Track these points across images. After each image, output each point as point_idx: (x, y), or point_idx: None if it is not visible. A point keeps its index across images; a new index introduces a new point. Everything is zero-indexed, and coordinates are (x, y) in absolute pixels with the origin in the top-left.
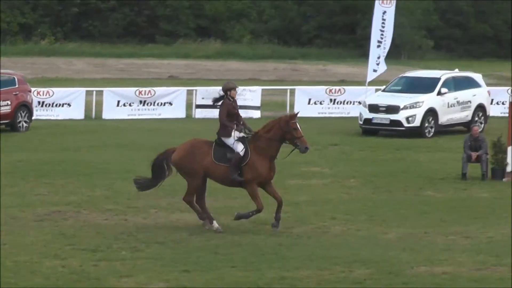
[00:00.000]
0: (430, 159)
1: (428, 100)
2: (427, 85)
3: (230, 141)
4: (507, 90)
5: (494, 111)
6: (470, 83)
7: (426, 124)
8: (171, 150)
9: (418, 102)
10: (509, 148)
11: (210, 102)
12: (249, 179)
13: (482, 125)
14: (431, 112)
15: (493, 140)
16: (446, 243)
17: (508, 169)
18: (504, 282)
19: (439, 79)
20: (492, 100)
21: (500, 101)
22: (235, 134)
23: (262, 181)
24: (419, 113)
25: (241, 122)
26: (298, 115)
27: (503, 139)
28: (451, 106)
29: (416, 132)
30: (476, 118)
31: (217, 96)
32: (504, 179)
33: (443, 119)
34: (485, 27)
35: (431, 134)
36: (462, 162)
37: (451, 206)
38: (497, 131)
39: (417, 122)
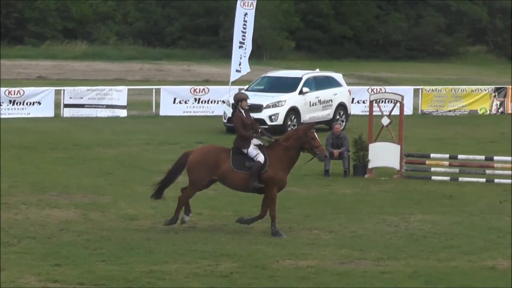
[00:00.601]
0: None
1: (290, 99)
2: (289, 85)
3: (250, 151)
4: (367, 89)
5: (355, 109)
6: (331, 83)
7: (289, 122)
8: (189, 152)
9: (280, 101)
10: (370, 145)
11: (77, 102)
12: (269, 185)
13: (344, 123)
14: (294, 111)
15: (355, 137)
16: (310, 237)
17: (370, 165)
18: (367, 274)
19: (300, 78)
20: (353, 99)
21: (361, 100)
22: (253, 142)
23: (280, 188)
24: (282, 111)
25: (259, 130)
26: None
27: (364, 137)
28: (313, 105)
29: (279, 130)
30: (338, 117)
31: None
32: (365, 176)
33: (305, 117)
34: (345, 28)
35: None
36: (325, 159)
37: (314, 201)
38: (358, 129)
39: (279, 121)
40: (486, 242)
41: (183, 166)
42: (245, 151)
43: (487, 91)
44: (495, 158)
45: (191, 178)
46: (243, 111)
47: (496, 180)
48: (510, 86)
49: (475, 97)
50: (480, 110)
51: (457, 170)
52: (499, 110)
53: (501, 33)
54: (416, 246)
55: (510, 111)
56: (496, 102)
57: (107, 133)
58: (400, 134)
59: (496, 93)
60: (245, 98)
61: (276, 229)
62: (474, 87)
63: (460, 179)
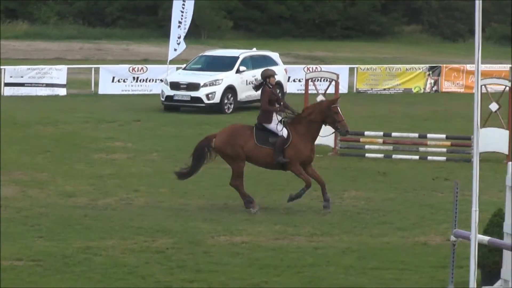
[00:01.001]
0: None
1: (227, 78)
2: (226, 64)
3: (271, 125)
4: (303, 68)
5: (291, 88)
6: (267, 62)
7: (226, 101)
8: (211, 136)
9: (217, 80)
10: None
11: (18, 81)
12: (293, 160)
13: None
14: (230, 89)
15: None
16: (245, 214)
17: None
18: (301, 250)
19: (237, 57)
20: (289, 77)
21: (297, 79)
22: (276, 117)
23: (304, 161)
24: (219, 90)
25: (283, 104)
26: (339, 100)
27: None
28: (249, 83)
29: (216, 108)
30: None
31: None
32: None
33: (241, 96)
34: (282, 8)
35: (231, 110)
36: None
37: (250, 179)
38: (294, 107)
39: (216, 99)
40: (418, 218)
41: (207, 150)
42: (268, 126)
43: (421, 69)
44: (429, 135)
45: (229, 156)
46: (271, 87)
47: (429, 158)
48: (444, 65)
49: (409, 76)
50: (415, 88)
51: (391, 147)
52: (433, 89)
53: (436, 12)
54: (350, 222)
55: (444, 90)
56: (430, 81)
57: (46, 111)
58: None
59: (430, 72)
60: (273, 74)
61: (293, 196)
62: (408, 66)
63: (394, 156)
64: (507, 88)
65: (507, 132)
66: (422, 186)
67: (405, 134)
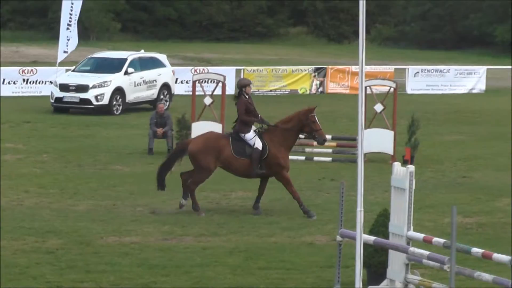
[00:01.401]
0: (118, 135)
1: (116, 79)
2: (114, 65)
3: (249, 136)
4: (191, 69)
5: (179, 89)
6: (155, 63)
7: (114, 102)
8: (187, 140)
9: (106, 82)
10: (193, 124)
11: None
12: (277, 171)
13: (167, 102)
14: (119, 91)
15: (178, 117)
16: (134, 214)
17: None
18: (189, 250)
19: (125, 59)
20: (176, 79)
21: (184, 80)
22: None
23: (288, 168)
24: (107, 91)
25: (260, 117)
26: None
27: (188, 116)
28: (137, 85)
29: (105, 110)
30: (162, 96)
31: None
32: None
33: (130, 97)
34: (170, 10)
35: (119, 111)
36: (149, 138)
37: (139, 179)
38: (181, 108)
39: (105, 100)
40: (305, 219)
41: (181, 154)
42: (243, 136)
43: (307, 71)
44: None
45: (199, 165)
46: (247, 97)
47: (315, 158)
48: (330, 67)
49: (295, 77)
50: (301, 89)
51: None
52: (319, 90)
53: (321, 14)
54: (237, 223)
55: (329, 91)
56: (316, 82)
57: None
58: (222, 113)
59: (316, 73)
60: (249, 84)
61: (305, 209)
62: (294, 67)
63: None
64: (392, 89)
65: (391, 133)
66: (308, 186)
67: None
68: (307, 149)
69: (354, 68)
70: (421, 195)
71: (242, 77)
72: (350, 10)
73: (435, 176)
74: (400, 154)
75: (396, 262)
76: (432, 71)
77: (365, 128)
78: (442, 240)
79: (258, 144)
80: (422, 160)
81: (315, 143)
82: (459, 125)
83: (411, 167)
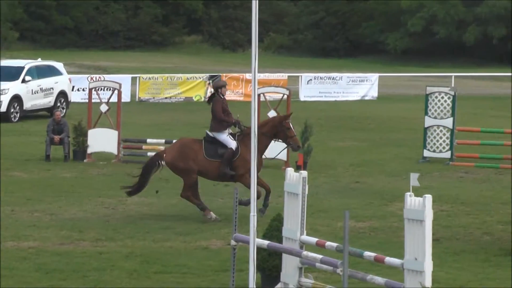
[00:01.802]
0: (16, 142)
1: (13, 87)
2: (12, 74)
3: (223, 136)
4: (87, 77)
5: (75, 97)
6: (52, 71)
7: (12, 110)
8: (161, 152)
9: (3, 90)
10: (89, 131)
11: None
12: (242, 173)
13: (64, 110)
14: (16, 99)
15: (74, 124)
16: (32, 219)
17: (89, 150)
18: (86, 255)
19: (23, 67)
20: (73, 87)
21: (81, 88)
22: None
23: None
24: (5, 99)
25: (234, 120)
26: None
27: (84, 123)
28: (35, 92)
29: (3, 117)
30: (59, 104)
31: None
32: (85, 160)
33: (27, 105)
34: (67, 19)
35: (17, 119)
36: (46, 145)
37: (36, 185)
38: (78, 116)
39: (3, 108)
40: (200, 224)
41: (155, 166)
42: (218, 136)
43: (201, 79)
44: None
45: (180, 171)
46: (222, 98)
47: None
48: (224, 74)
49: (190, 85)
50: (195, 97)
51: None
52: None
53: (216, 23)
54: (133, 227)
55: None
56: (211, 90)
57: None
58: (118, 120)
59: (211, 81)
60: (224, 85)
61: (244, 200)
62: (189, 75)
63: None
64: (285, 96)
65: None
66: (203, 192)
67: None
68: None
69: (248, 76)
70: (315, 200)
71: (137, 84)
72: (244, 19)
73: (328, 181)
74: (293, 160)
75: (289, 266)
76: (325, 78)
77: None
78: (335, 244)
79: (232, 144)
80: (315, 165)
81: None
82: (352, 132)
83: (304, 173)
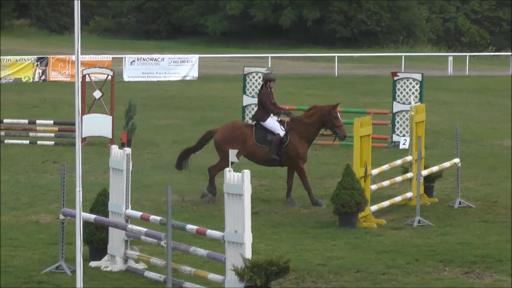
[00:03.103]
0: None
1: None
2: None
3: (269, 123)
4: None
5: None
6: None
7: None
8: (214, 130)
9: None
10: None
11: None
12: (295, 160)
13: None
14: None
15: None
16: None
17: None
18: None
19: None
20: None
21: None
22: (275, 118)
23: (304, 160)
24: None
25: (283, 111)
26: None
27: None
28: None
29: None
30: None
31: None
32: None
33: None
34: None
35: None
36: None
37: None
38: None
39: None
40: (30, 199)
41: (206, 141)
42: (265, 124)
43: (30, 60)
44: (38, 121)
45: (224, 152)
46: (269, 91)
47: (39, 142)
48: (51, 56)
49: (19, 66)
50: (24, 78)
51: (3, 133)
52: (42, 78)
53: (43, 7)
54: None
55: (51, 79)
56: (39, 71)
57: None
58: None
59: (39, 62)
60: (273, 79)
61: (314, 199)
62: (18, 57)
63: (6, 141)
64: (110, 77)
65: (110, 118)
66: (33, 168)
67: (15, 121)
68: (31, 134)
69: (73, 57)
70: (140, 176)
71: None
72: (71, 3)
73: (152, 158)
74: (118, 138)
75: (116, 239)
76: (148, 59)
77: (85, 114)
78: (158, 218)
79: (280, 131)
80: (139, 143)
81: (37, 127)
82: (174, 110)
83: (128, 150)
